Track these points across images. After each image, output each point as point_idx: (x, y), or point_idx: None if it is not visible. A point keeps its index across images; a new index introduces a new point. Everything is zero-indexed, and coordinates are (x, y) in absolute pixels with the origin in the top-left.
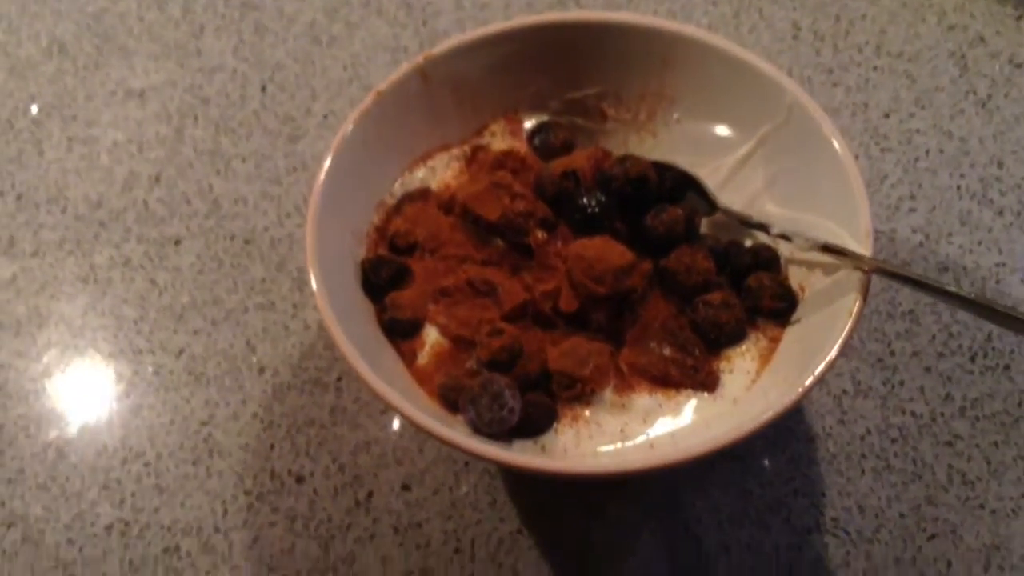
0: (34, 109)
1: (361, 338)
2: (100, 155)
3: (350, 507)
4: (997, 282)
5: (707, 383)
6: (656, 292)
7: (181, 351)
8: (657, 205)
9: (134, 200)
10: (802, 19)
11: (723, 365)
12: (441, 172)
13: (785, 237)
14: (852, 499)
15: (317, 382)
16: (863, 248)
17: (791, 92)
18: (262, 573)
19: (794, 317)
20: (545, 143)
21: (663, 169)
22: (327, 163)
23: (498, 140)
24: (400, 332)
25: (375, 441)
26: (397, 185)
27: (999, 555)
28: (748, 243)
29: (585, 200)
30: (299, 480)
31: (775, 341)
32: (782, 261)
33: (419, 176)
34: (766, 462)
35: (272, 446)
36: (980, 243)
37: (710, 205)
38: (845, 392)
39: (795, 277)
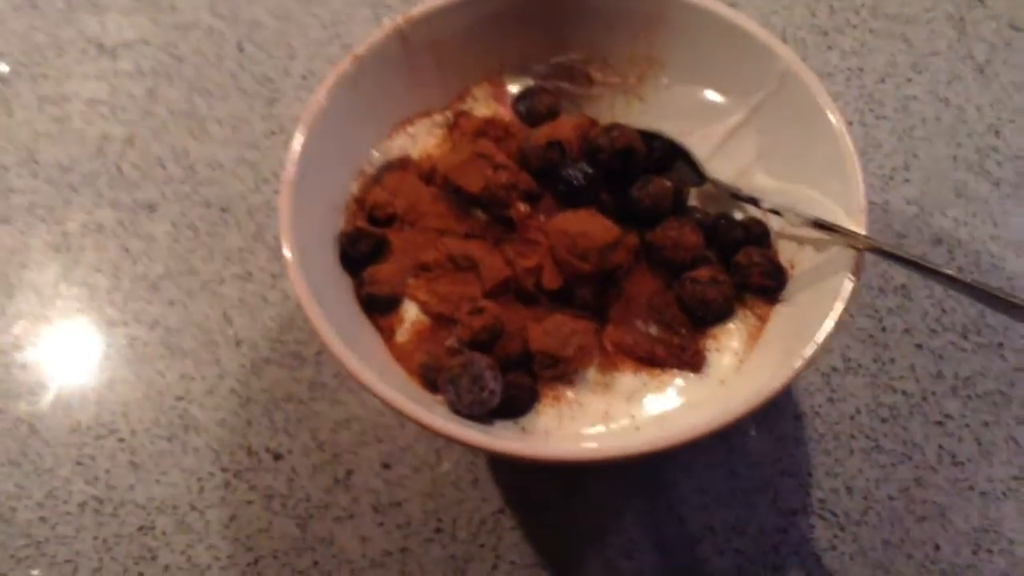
0: (3, 67)
1: (338, 314)
2: (72, 116)
3: (329, 485)
4: (992, 255)
5: (693, 362)
6: (642, 267)
7: (156, 323)
8: (644, 176)
9: (106, 164)
10: None
11: (710, 343)
12: (422, 139)
13: (776, 212)
14: (840, 480)
15: (296, 356)
16: (856, 225)
17: (784, 59)
18: (239, 552)
19: (783, 295)
20: (530, 109)
21: (651, 138)
22: (301, 131)
23: (481, 105)
24: (378, 308)
25: (355, 418)
26: (376, 153)
27: (988, 538)
28: (738, 216)
29: (570, 172)
30: (277, 457)
31: (763, 319)
32: (772, 236)
33: (399, 143)
34: (752, 442)
35: (249, 422)
36: (975, 215)
37: (699, 176)
38: (835, 369)
39: (785, 252)
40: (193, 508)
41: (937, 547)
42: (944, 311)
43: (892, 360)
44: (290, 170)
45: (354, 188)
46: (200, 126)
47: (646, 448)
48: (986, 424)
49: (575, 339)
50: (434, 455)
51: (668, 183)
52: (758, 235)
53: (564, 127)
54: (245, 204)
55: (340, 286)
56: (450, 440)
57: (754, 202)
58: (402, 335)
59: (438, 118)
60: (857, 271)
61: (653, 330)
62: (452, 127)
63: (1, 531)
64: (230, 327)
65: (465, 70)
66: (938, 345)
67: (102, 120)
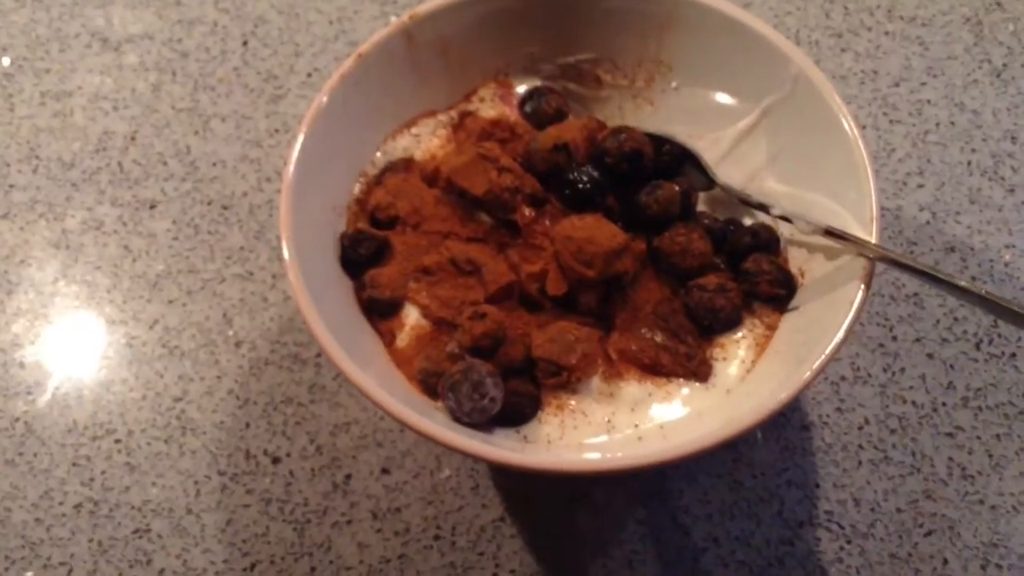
0: (5, 61)
1: (337, 317)
2: (74, 112)
3: (327, 490)
4: (1006, 264)
5: (699, 372)
6: (649, 272)
7: (155, 322)
8: (652, 181)
9: (108, 161)
10: None
11: (717, 352)
12: (426, 140)
13: (786, 218)
14: (847, 491)
15: (296, 358)
16: (868, 234)
17: (797, 62)
18: (235, 557)
19: (793, 303)
20: (537, 110)
21: (660, 142)
22: (302, 132)
23: (487, 106)
24: (379, 311)
25: (355, 421)
26: (379, 154)
27: (997, 553)
28: (748, 221)
29: (576, 176)
30: (275, 461)
31: (772, 328)
32: (782, 243)
33: (403, 144)
34: (758, 452)
35: (247, 424)
36: (989, 223)
37: (708, 180)
38: (843, 379)
39: (795, 260)
40: (189, 511)
41: (945, 561)
42: (956, 320)
43: (902, 370)
44: (290, 171)
45: (356, 189)
46: (203, 123)
47: (649, 460)
48: (998, 437)
49: (579, 347)
50: (434, 461)
51: (676, 188)
52: (768, 242)
53: (571, 129)
54: (247, 202)
55: (341, 288)
56: (447, 448)
57: (764, 208)
58: (403, 340)
59: (443, 118)
60: (868, 281)
61: (659, 338)
62: (457, 127)
63: None
64: (230, 327)
65: (471, 70)
66: (949, 355)
67: (104, 116)
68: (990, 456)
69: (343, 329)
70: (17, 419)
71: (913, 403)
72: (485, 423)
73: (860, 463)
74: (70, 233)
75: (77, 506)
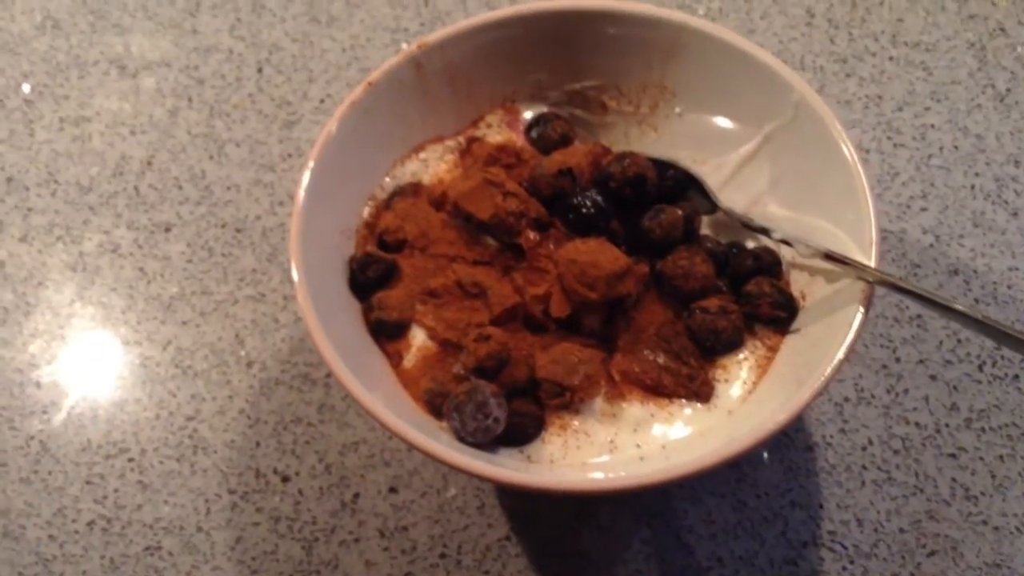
0: (26, 88)
1: (345, 339)
2: (92, 137)
3: (335, 509)
4: (1009, 287)
5: (701, 393)
6: (652, 295)
7: (168, 343)
8: (655, 206)
9: (125, 185)
10: (816, 5)
11: (719, 374)
12: (434, 165)
13: (787, 242)
14: (851, 512)
15: (306, 378)
16: (867, 258)
17: (798, 89)
18: (244, 574)
19: (794, 326)
20: (543, 136)
21: (664, 167)
22: (312, 158)
23: (494, 132)
24: (386, 333)
25: (363, 441)
26: (388, 179)
27: (1000, 574)
28: (751, 245)
29: (580, 200)
30: (284, 479)
31: (773, 350)
32: (784, 266)
33: (411, 169)
34: (762, 472)
35: (258, 443)
36: (993, 246)
37: (711, 205)
38: (847, 399)
39: (797, 283)
40: (200, 529)
41: None
42: (959, 342)
43: (906, 391)
44: (300, 197)
45: (365, 213)
46: (218, 148)
47: (650, 480)
48: (1001, 458)
49: (582, 368)
50: (441, 480)
51: (680, 212)
52: (769, 265)
53: (576, 154)
54: (260, 226)
55: (349, 310)
56: (452, 468)
57: (765, 232)
58: (409, 361)
59: (451, 144)
60: (867, 304)
61: (661, 359)
62: (464, 153)
63: (10, 548)
64: (242, 348)
65: (479, 96)
66: (953, 377)
67: (122, 141)
68: (993, 477)
69: (351, 350)
70: (32, 437)
71: (916, 424)
72: (489, 443)
73: (863, 484)
74: (87, 256)
75: (90, 523)
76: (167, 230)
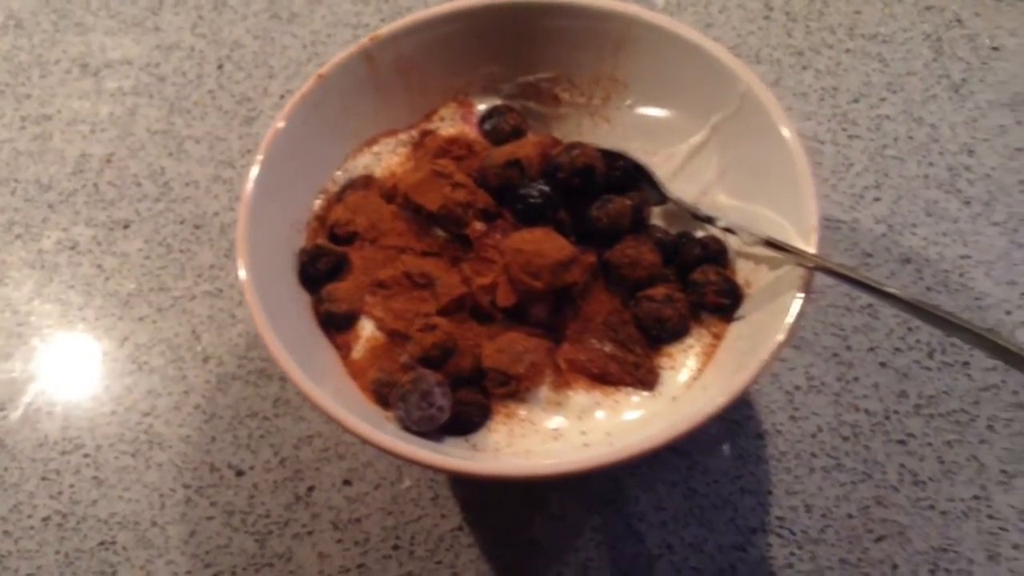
0: None
1: (294, 333)
2: (53, 136)
3: (289, 502)
4: (960, 275)
5: (646, 380)
6: (600, 285)
7: (125, 339)
8: (603, 196)
9: (84, 183)
10: None
11: (664, 361)
12: (387, 158)
13: (731, 230)
14: (799, 498)
15: (262, 373)
16: (808, 244)
17: (744, 80)
18: (197, 568)
19: (739, 313)
20: (495, 128)
21: (613, 158)
22: (260, 154)
23: (447, 125)
24: (336, 325)
25: (318, 434)
26: (340, 172)
27: (947, 558)
28: (700, 234)
29: (528, 190)
30: (239, 473)
31: (719, 337)
32: (731, 254)
33: (363, 162)
34: (713, 460)
35: (213, 438)
36: (945, 234)
37: (661, 195)
38: (798, 388)
39: (743, 271)
40: (154, 524)
41: (895, 566)
42: (910, 330)
43: (856, 379)
44: (248, 193)
45: (316, 206)
46: (178, 145)
47: (587, 466)
48: (949, 443)
49: (528, 357)
50: (395, 472)
51: (627, 202)
52: (716, 254)
53: (526, 146)
54: (218, 221)
55: (299, 303)
56: (393, 456)
57: (710, 221)
58: (358, 352)
59: (404, 137)
60: (806, 289)
61: (608, 348)
62: (418, 146)
63: None
64: (198, 343)
65: (432, 90)
66: (902, 364)
67: (82, 139)
68: (941, 462)
69: (300, 343)
70: None
71: (866, 411)
72: (434, 432)
73: (813, 470)
74: (45, 253)
75: (45, 519)
76: (125, 227)
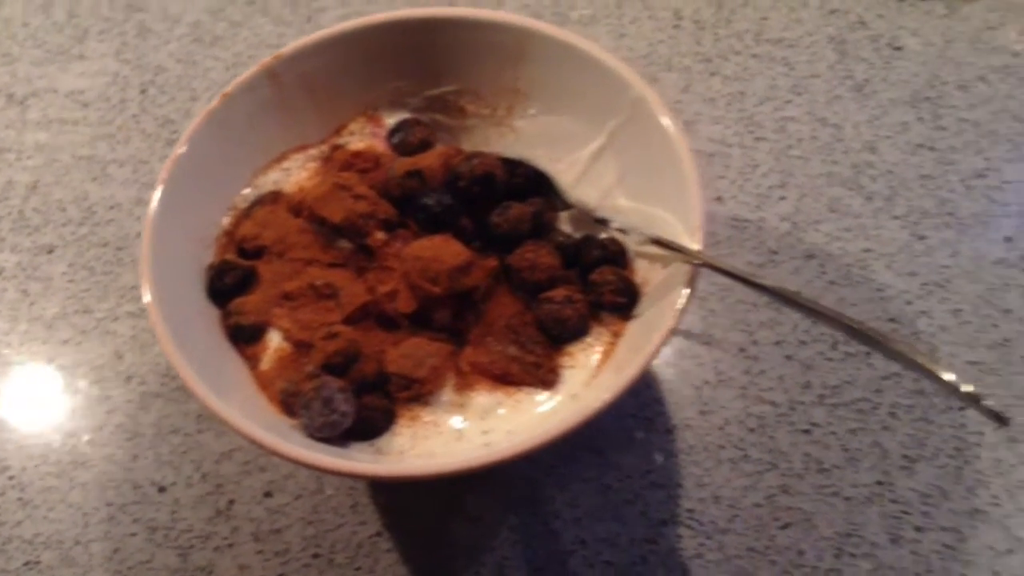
0: None
1: (202, 348)
2: None
3: (211, 516)
4: (863, 268)
5: (547, 380)
6: (504, 289)
7: (50, 361)
8: (503, 202)
9: (9, 209)
10: (684, 8)
11: (565, 361)
12: (296, 173)
13: (623, 231)
14: (708, 490)
15: (183, 389)
16: (694, 242)
17: (634, 87)
18: None
19: (637, 311)
20: (403, 141)
21: (514, 165)
22: (163, 174)
23: (357, 139)
24: (243, 337)
25: (240, 448)
26: (249, 189)
27: (851, 542)
28: (603, 236)
29: (428, 199)
30: (161, 490)
31: (618, 335)
32: (630, 255)
33: (273, 178)
34: (625, 456)
35: (136, 456)
36: (848, 230)
37: (564, 200)
38: (707, 383)
39: (641, 270)
40: (78, 542)
41: (801, 552)
42: (813, 323)
43: (762, 372)
44: (151, 217)
45: (225, 222)
46: (101, 169)
47: (478, 463)
48: (852, 431)
49: (430, 361)
50: (316, 482)
51: (528, 208)
52: (615, 254)
53: (429, 157)
54: (140, 243)
55: (207, 318)
56: (294, 462)
57: (605, 223)
58: (266, 363)
59: (314, 152)
60: (692, 285)
61: (510, 350)
62: (327, 160)
63: None
64: (121, 363)
65: (340, 105)
66: (806, 356)
67: (8, 167)
68: (845, 450)
69: (207, 358)
70: None
71: (772, 403)
72: (339, 438)
73: (721, 462)
74: None
75: None
76: (50, 252)
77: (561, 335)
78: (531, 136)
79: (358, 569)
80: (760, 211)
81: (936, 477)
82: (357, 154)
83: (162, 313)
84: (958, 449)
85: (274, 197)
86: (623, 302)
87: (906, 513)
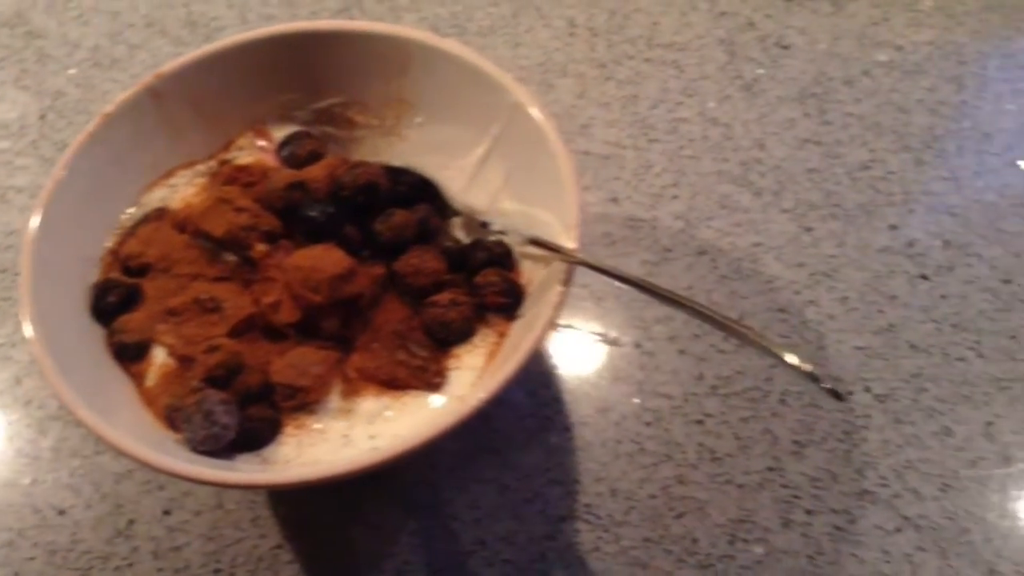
0: None
1: (87, 369)
2: None
3: (110, 536)
4: (753, 262)
5: (433, 383)
6: (392, 295)
7: None
8: (387, 210)
9: None
10: (578, 16)
11: (452, 363)
12: (183, 190)
13: (503, 233)
14: (605, 484)
15: None
16: (570, 240)
17: (511, 91)
18: None
19: (521, 311)
20: (292, 154)
21: (399, 173)
22: (43, 196)
23: (246, 154)
24: (128, 355)
25: (138, 468)
26: (134, 208)
27: (744, 528)
28: (491, 240)
29: (310, 210)
30: (61, 513)
31: (503, 335)
32: (516, 256)
33: (159, 195)
34: (525, 455)
35: (35, 480)
36: (739, 225)
37: (452, 206)
38: (604, 380)
39: (527, 271)
40: None
41: (695, 540)
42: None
43: (657, 367)
44: (29, 241)
45: (109, 241)
46: (0, 196)
47: (354, 467)
48: (744, 420)
49: (314, 369)
50: (215, 497)
51: (412, 215)
52: (500, 256)
53: (313, 169)
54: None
55: (93, 338)
56: (170, 476)
57: (486, 226)
58: (151, 380)
59: (202, 168)
60: (567, 283)
61: (398, 355)
62: (216, 176)
63: None
64: (20, 388)
65: (226, 121)
66: (700, 350)
67: None
68: (737, 438)
69: (93, 379)
70: None
71: (667, 396)
72: (224, 450)
73: (618, 456)
74: None
75: None
76: None
77: (447, 338)
78: (420, 144)
79: None
80: (654, 210)
81: (826, 461)
82: (241, 168)
83: (45, 342)
84: (846, 433)
85: (159, 214)
86: (507, 303)
87: (797, 497)
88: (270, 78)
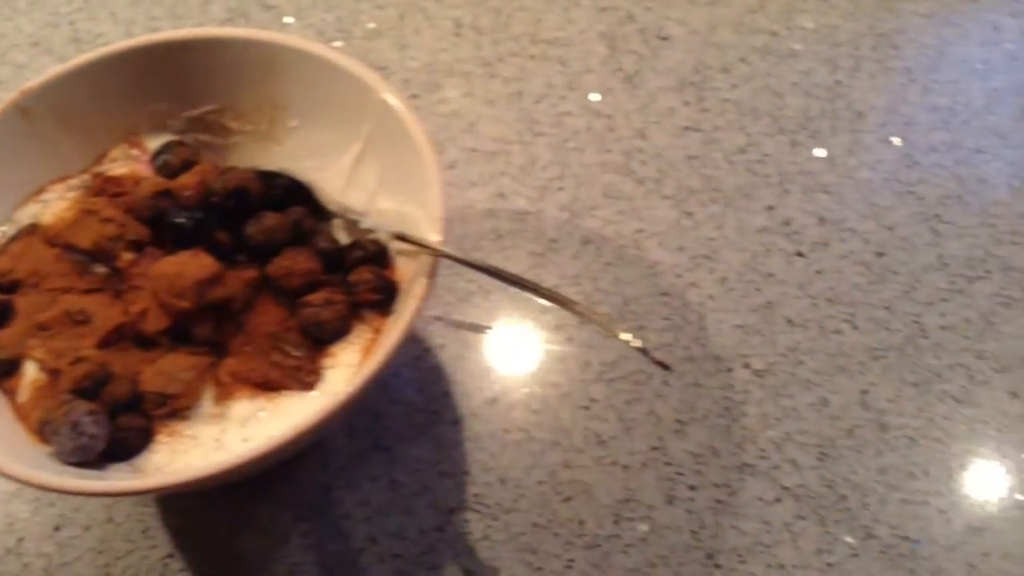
0: None
1: None
2: None
3: (0, 556)
4: (637, 248)
5: (308, 382)
6: (267, 297)
7: None
8: (258, 213)
9: None
10: (464, 16)
11: (328, 361)
12: (55, 204)
13: (372, 231)
14: (494, 473)
15: None
16: (435, 234)
17: (376, 89)
18: None
19: (395, 306)
20: (166, 164)
21: (271, 177)
22: None
23: (120, 165)
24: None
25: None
26: (6, 226)
27: (629, 507)
28: (368, 238)
29: (177, 217)
30: None
31: (379, 332)
32: (391, 253)
33: (31, 211)
34: (414, 449)
35: None
36: (622, 213)
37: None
38: (493, 372)
39: (403, 268)
40: None
41: (582, 522)
42: (593, 303)
43: (545, 356)
44: None
45: None
46: None
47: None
48: (628, 402)
49: (184, 375)
50: (105, 511)
51: (284, 218)
52: (375, 254)
53: (186, 176)
54: None
55: None
56: (40, 489)
57: (356, 224)
58: (22, 395)
59: (75, 182)
60: (431, 276)
61: (273, 356)
62: (90, 189)
63: None
64: None
65: (98, 133)
66: (586, 337)
67: None
68: (621, 421)
69: None
70: None
71: (555, 384)
72: (96, 461)
73: (506, 445)
74: None
75: None
76: None
77: (322, 336)
78: (297, 148)
79: None
80: (540, 203)
81: (707, 437)
82: (112, 179)
83: None
84: (727, 408)
85: (31, 230)
86: (381, 299)
87: (680, 474)
88: (140, 89)
